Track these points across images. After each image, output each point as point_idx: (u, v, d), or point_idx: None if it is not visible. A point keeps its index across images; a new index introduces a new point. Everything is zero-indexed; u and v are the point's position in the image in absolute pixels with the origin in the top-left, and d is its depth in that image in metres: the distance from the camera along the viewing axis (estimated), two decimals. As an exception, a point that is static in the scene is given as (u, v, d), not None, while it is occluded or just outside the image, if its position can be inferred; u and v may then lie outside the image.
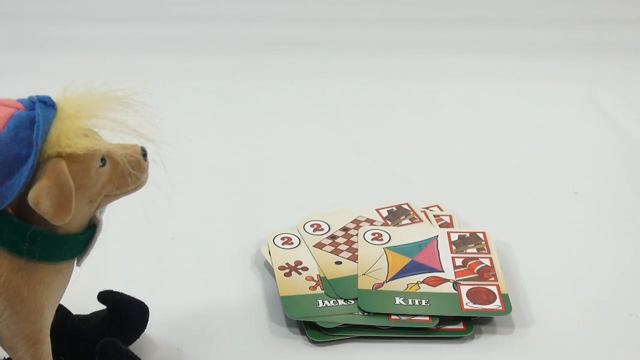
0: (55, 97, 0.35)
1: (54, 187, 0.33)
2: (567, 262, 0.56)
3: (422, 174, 0.67)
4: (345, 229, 0.57)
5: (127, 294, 0.46)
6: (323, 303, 0.49)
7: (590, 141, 0.74)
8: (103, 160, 0.36)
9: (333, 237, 0.56)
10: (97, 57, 0.87)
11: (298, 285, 0.51)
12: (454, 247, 0.54)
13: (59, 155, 0.34)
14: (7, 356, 0.39)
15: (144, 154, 0.38)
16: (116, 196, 0.38)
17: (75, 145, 0.34)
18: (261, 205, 0.62)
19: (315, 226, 0.57)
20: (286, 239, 0.55)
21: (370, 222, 0.58)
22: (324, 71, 0.88)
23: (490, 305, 0.49)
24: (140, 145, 0.37)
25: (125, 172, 0.37)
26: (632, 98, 0.82)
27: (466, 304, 0.49)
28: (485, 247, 0.54)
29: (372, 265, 0.52)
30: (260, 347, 0.48)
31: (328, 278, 0.52)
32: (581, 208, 0.63)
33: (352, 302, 0.50)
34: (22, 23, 0.96)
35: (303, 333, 0.48)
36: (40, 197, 0.33)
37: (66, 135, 0.34)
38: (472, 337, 0.49)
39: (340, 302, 0.50)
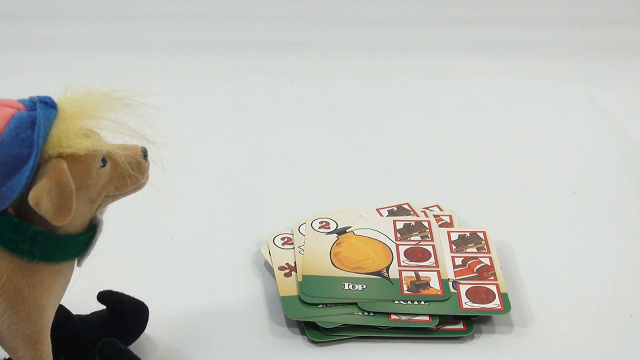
0: (56, 98, 0.35)
1: (55, 187, 0.33)
2: (567, 261, 0.56)
3: (422, 174, 0.67)
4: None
5: (127, 294, 0.46)
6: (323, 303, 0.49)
7: (590, 141, 0.74)
8: (104, 160, 0.36)
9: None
10: (97, 57, 0.87)
11: (298, 286, 0.51)
12: (454, 247, 0.55)
13: (60, 156, 0.34)
14: (7, 356, 0.39)
15: (145, 154, 0.38)
16: (116, 196, 0.38)
17: (76, 145, 0.34)
18: (261, 205, 0.62)
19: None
20: (286, 239, 0.55)
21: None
22: (324, 71, 0.88)
23: (490, 304, 0.49)
24: (140, 146, 0.37)
25: (125, 173, 0.37)
26: (632, 98, 0.82)
27: (465, 303, 0.49)
28: (485, 247, 0.54)
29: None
30: (260, 347, 0.48)
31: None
32: (581, 208, 0.63)
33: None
34: (22, 23, 0.96)
35: (303, 333, 0.48)
36: (40, 198, 0.33)
37: (67, 135, 0.34)
38: (472, 337, 0.49)
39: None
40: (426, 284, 0.50)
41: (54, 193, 0.33)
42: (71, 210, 0.34)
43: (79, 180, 0.35)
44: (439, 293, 0.49)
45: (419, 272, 0.52)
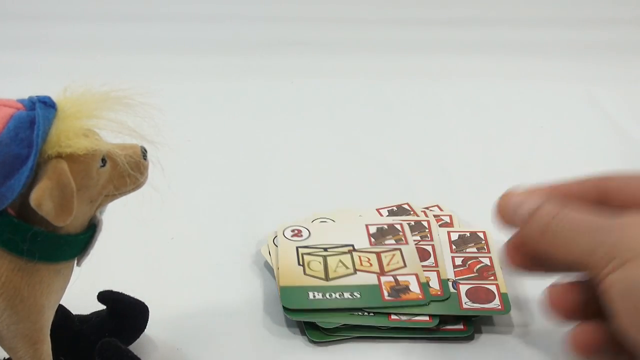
0: (55, 98, 0.35)
1: (56, 188, 0.33)
2: (567, 262, 0.56)
3: (422, 174, 0.67)
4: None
5: (127, 294, 0.46)
6: (323, 303, 0.49)
7: (590, 141, 0.74)
8: (103, 160, 0.36)
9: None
10: (97, 57, 0.87)
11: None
12: (454, 247, 0.55)
13: (59, 156, 0.34)
14: (7, 356, 0.39)
15: (144, 154, 0.38)
16: (115, 196, 0.38)
17: (75, 145, 0.34)
18: (261, 205, 0.62)
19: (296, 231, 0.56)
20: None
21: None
22: (324, 71, 0.88)
23: (490, 304, 0.49)
24: (140, 145, 0.37)
25: (125, 172, 0.37)
26: (632, 98, 0.82)
27: (465, 303, 0.49)
28: (485, 247, 0.55)
29: None
30: (260, 347, 0.48)
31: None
32: (581, 208, 0.63)
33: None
34: (22, 23, 0.95)
35: (303, 333, 0.48)
36: (42, 199, 0.33)
37: (66, 135, 0.34)
38: (472, 337, 0.49)
39: (340, 302, 0.50)
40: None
41: (55, 194, 0.33)
42: (72, 210, 0.34)
43: (79, 180, 0.35)
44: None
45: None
